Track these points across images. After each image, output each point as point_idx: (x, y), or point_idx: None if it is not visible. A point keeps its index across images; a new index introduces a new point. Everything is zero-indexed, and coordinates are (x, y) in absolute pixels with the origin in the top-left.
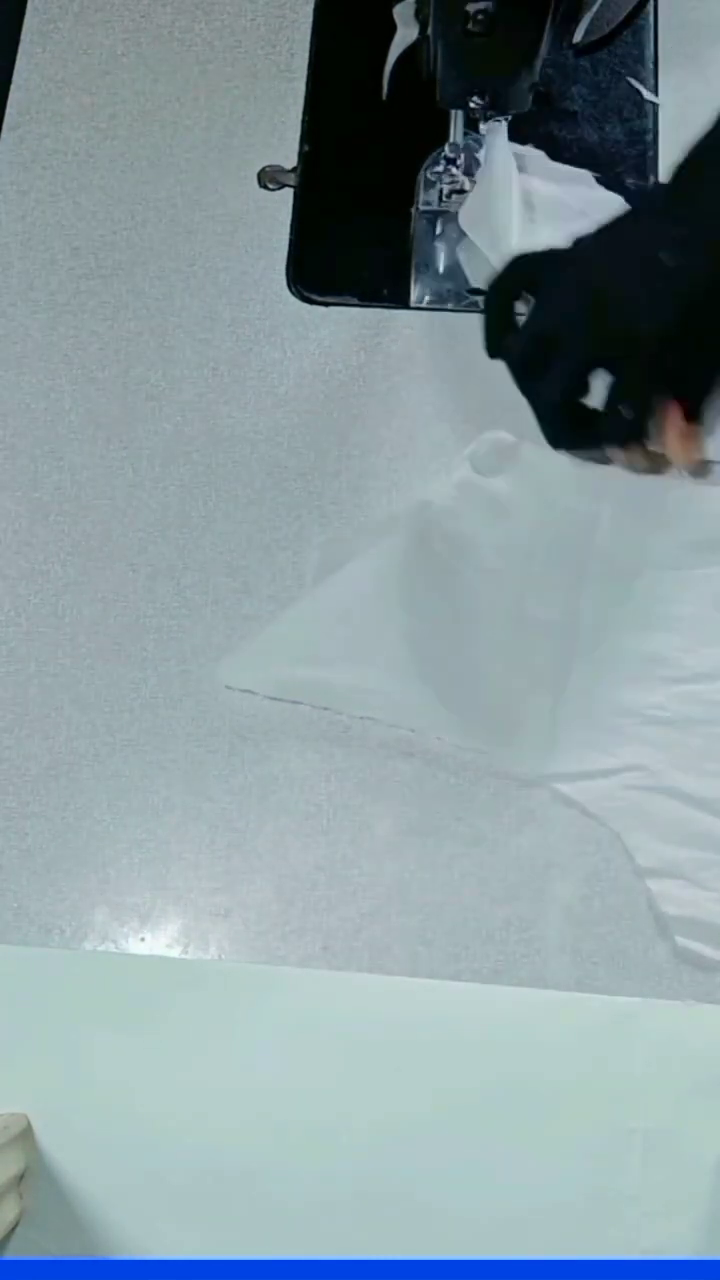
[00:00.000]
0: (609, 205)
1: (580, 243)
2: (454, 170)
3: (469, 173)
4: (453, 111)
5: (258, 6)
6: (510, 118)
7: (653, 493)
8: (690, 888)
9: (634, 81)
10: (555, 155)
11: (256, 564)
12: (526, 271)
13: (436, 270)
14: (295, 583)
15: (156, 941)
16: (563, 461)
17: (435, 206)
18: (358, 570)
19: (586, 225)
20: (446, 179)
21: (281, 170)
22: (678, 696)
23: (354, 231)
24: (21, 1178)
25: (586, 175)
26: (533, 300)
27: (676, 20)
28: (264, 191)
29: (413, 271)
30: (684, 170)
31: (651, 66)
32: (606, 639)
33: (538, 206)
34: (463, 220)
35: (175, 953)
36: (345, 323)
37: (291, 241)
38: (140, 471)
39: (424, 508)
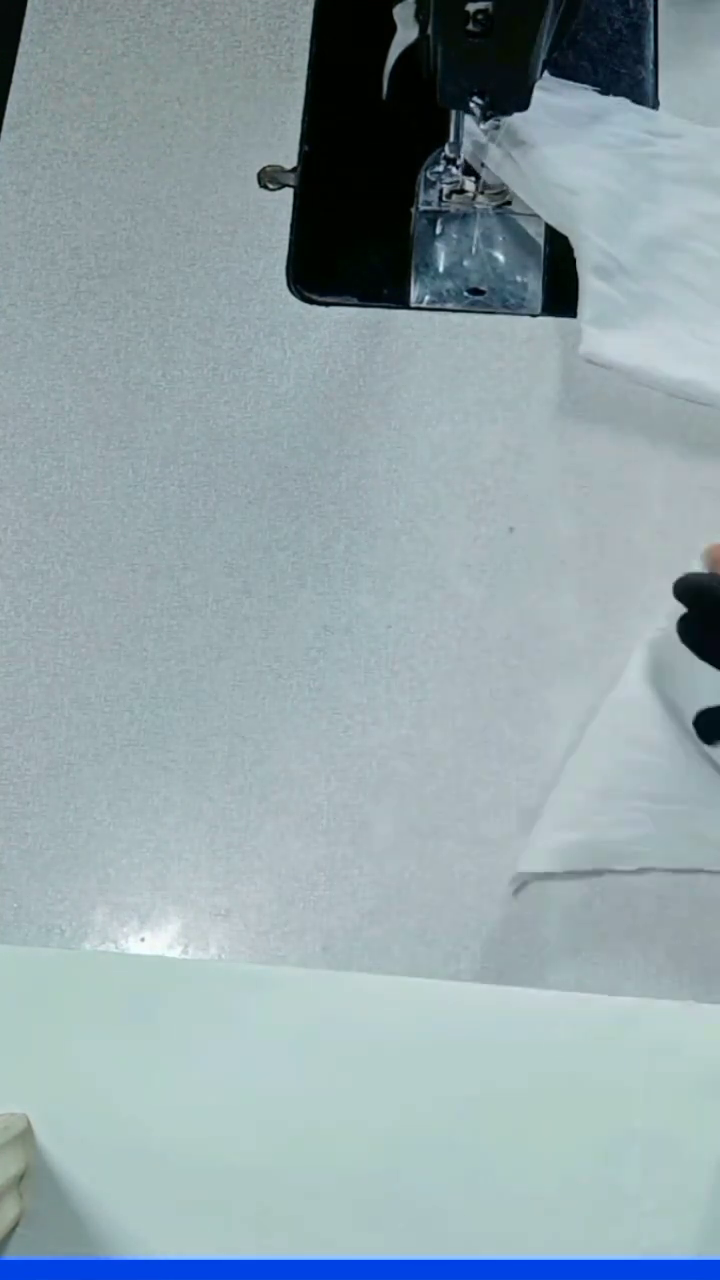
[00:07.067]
0: (616, 108)
1: None
2: (454, 170)
3: (469, 172)
4: (453, 111)
5: (258, 6)
6: (510, 117)
7: None
8: None
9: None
10: None
11: (256, 564)
12: None
13: (436, 270)
14: (296, 583)
15: (156, 941)
16: None
17: (435, 206)
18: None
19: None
20: (446, 179)
21: (281, 170)
22: None
23: (354, 232)
24: (21, 1178)
25: (585, 88)
26: None
27: (676, 20)
28: (264, 191)
29: (413, 271)
30: None
31: (651, 67)
32: None
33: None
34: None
35: (175, 953)
36: (345, 323)
37: (291, 241)
38: (140, 471)
39: (644, 649)
